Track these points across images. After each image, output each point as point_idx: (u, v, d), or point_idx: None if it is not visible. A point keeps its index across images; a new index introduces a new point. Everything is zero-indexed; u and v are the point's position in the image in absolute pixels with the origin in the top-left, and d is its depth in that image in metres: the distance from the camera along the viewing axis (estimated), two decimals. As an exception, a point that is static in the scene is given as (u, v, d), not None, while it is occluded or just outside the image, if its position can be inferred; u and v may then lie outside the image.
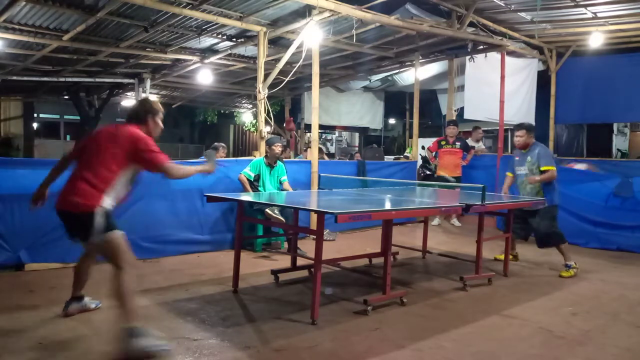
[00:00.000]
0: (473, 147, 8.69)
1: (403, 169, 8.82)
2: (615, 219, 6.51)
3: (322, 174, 6.13)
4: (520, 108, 8.99)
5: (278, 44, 8.04)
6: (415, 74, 9.20)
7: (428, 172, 9.21)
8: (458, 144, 8.26)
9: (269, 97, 7.20)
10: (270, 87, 6.89)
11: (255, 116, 7.97)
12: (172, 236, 5.69)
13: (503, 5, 7.13)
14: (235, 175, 6.11)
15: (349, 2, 6.19)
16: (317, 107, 6.77)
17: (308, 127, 10.85)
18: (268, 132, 7.13)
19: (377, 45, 8.67)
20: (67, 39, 7.40)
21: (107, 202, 3.07)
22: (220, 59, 8.96)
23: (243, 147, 19.54)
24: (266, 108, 6.69)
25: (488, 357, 3.12)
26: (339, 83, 12.06)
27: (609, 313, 4.01)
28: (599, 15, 7.21)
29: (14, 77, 10.02)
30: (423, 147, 9.23)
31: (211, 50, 8.70)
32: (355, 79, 11.55)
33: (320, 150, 8.15)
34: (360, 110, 13.36)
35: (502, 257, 5.30)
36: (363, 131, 15.96)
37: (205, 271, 5.04)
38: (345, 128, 14.84)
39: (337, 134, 16.02)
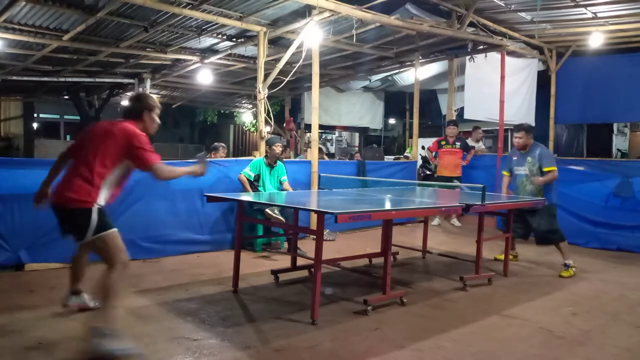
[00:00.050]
0: (473, 147, 8.69)
1: (403, 169, 8.82)
2: (615, 219, 6.52)
3: (322, 174, 6.14)
4: (520, 108, 8.98)
5: (278, 44, 8.03)
6: (415, 74, 9.20)
7: (428, 172, 9.21)
8: (458, 144, 8.26)
9: (269, 97, 7.20)
10: (270, 87, 6.88)
11: (255, 116, 7.97)
12: (172, 236, 5.69)
13: (503, 5, 7.12)
14: (235, 175, 6.11)
15: (349, 2, 6.19)
16: (317, 107, 6.77)
17: (308, 127, 10.84)
18: (268, 132, 7.13)
19: (377, 45, 8.66)
20: (67, 39, 7.39)
21: (102, 198, 3.07)
22: (220, 59, 8.95)
23: (243, 147, 19.52)
24: (266, 108, 6.69)
25: (488, 357, 3.12)
26: (339, 83, 12.05)
27: (609, 313, 4.01)
28: (599, 15, 7.20)
29: (14, 77, 10.01)
30: (423, 147, 9.23)
31: (211, 50, 8.69)
32: (355, 79, 11.53)
33: (320, 150, 8.15)
34: (360, 110, 13.34)
35: (502, 257, 5.31)
36: (363, 131, 15.95)
37: (205, 271, 5.04)
38: (345, 128, 14.82)
39: (337, 134, 16.01)
